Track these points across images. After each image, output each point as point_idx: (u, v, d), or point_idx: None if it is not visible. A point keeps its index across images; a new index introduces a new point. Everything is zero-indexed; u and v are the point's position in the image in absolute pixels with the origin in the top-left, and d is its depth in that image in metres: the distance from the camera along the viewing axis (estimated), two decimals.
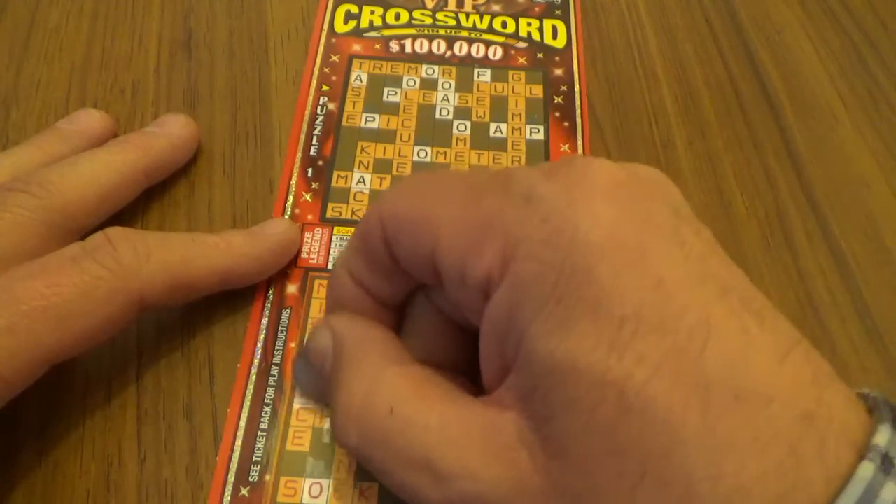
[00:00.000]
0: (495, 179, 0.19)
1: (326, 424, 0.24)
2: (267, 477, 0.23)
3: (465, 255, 0.18)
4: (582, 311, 0.16)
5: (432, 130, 0.31)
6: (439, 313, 0.21)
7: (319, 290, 0.27)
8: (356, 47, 0.34)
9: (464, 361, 0.21)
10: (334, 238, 0.28)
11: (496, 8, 0.36)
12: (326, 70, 0.33)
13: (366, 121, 0.32)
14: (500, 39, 0.35)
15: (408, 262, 0.20)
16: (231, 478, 0.23)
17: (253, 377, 0.25)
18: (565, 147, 0.31)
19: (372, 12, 0.35)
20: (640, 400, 0.15)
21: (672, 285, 0.16)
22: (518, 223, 0.17)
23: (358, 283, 0.21)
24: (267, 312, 0.26)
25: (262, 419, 0.24)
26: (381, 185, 0.30)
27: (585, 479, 0.16)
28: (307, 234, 0.28)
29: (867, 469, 0.14)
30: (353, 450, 0.19)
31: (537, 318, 0.16)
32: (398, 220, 0.19)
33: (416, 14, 0.36)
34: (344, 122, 0.32)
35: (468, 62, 0.34)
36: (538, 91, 0.33)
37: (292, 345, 0.26)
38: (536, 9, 0.36)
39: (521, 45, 0.35)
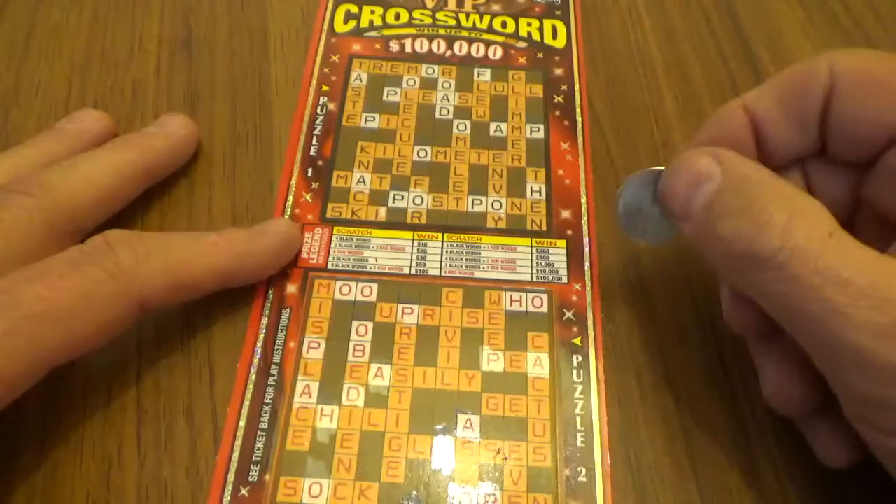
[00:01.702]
0: None
1: (325, 423, 0.24)
2: (267, 477, 0.23)
3: None
4: None
5: (432, 130, 0.31)
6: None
7: (319, 290, 0.27)
8: (356, 47, 0.34)
9: None
10: (334, 238, 0.28)
11: (496, 8, 0.36)
12: (326, 70, 0.33)
13: (366, 120, 0.32)
14: (500, 39, 0.35)
15: (857, 122, 0.19)
16: (231, 478, 0.23)
17: (253, 377, 0.25)
18: (565, 145, 0.31)
19: (372, 12, 0.35)
20: None
21: None
22: None
23: (755, 123, 0.21)
24: (267, 312, 0.26)
25: (261, 419, 0.24)
26: (380, 184, 0.30)
27: None
28: (307, 234, 0.28)
29: None
30: (768, 259, 0.19)
31: None
32: (867, 77, 0.19)
33: (416, 14, 0.36)
34: (344, 122, 0.32)
35: (468, 62, 0.34)
36: (538, 90, 0.33)
37: (292, 344, 0.26)
38: (536, 9, 0.36)
39: (521, 44, 0.35)
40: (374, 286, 0.27)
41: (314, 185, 0.30)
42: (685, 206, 0.21)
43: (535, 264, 0.28)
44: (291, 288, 0.27)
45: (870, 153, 0.20)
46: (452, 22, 0.35)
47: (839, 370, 0.19)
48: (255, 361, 0.25)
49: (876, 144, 0.19)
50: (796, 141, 0.21)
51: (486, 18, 0.36)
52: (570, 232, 0.29)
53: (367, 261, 0.28)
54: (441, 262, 0.28)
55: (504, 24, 0.35)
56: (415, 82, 0.33)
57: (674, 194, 0.22)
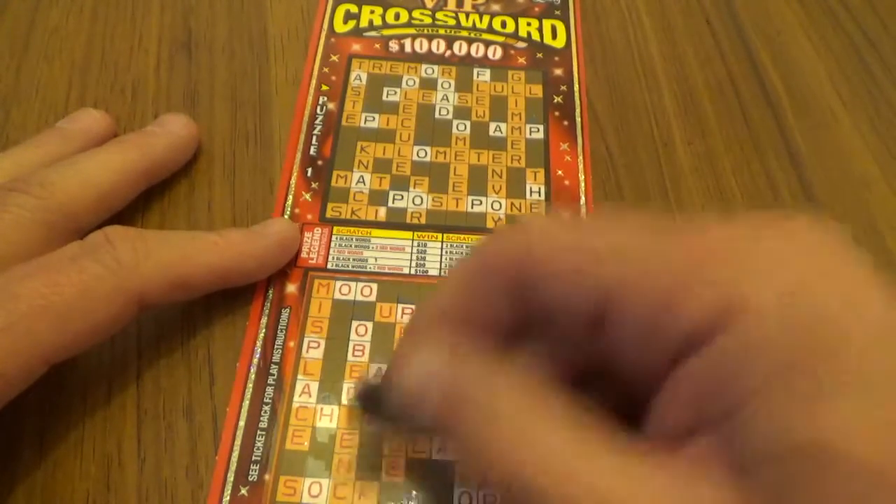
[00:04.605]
0: (691, 225, 0.16)
1: (325, 423, 0.24)
2: (266, 476, 0.23)
3: (668, 300, 0.15)
4: (841, 389, 0.13)
5: (432, 130, 0.31)
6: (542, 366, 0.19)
7: (319, 290, 0.27)
8: (356, 47, 0.34)
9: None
10: (334, 238, 0.28)
11: (496, 8, 0.36)
12: (326, 70, 0.33)
13: (365, 120, 0.32)
14: (500, 39, 0.35)
15: (556, 303, 0.17)
16: (230, 477, 0.23)
17: (252, 376, 0.25)
18: (565, 146, 0.31)
19: (371, 12, 0.35)
20: None
21: None
22: (747, 273, 0.15)
23: (452, 324, 0.18)
24: (266, 312, 0.26)
25: (261, 418, 0.24)
26: (380, 184, 0.30)
27: None
28: (307, 234, 0.28)
29: None
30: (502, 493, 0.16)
31: (772, 387, 0.14)
32: (555, 254, 0.17)
33: (416, 14, 0.36)
34: (343, 122, 0.32)
35: (468, 62, 0.34)
36: (538, 91, 0.33)
37: (291, 344, 0.26)
38: (536, 9, 0.36)
39: (521, 44, 0.35)
40: (374, 286, 0.27)
41: (314, 185, 0.30)
42: (411, 407, 0.18)
43: None
44: (291, 287, 0.27)
45: (584, 328, 0.17)
46: (452, 22, 0.35)
47: None
48: (255, 361, 0.25)
49: (587, 319, 0.17)
50: (497, 333, 0.18)
51: (486, 18, 0.36)
52: None
53: (366, 261, 0.28)
54: (441, 262, 0.28)
55: (504, 24, 0.35)
56: (414, 82, 0.33)
57: (402, 408, 0.19)
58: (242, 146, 0.31)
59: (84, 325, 0.21)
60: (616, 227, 0.17)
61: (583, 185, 0.30)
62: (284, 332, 0.26)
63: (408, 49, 0.34)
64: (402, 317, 0.26)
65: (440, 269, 0.28)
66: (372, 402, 0.21)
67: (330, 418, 0.24)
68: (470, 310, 0.18)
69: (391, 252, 0.28)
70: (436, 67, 0.34)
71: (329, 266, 0.27)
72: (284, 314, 0.26)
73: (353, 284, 0.27)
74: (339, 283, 0.27)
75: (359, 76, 0.33)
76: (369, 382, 0.22)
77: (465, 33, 0.35)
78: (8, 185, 0.24)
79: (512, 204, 0.29)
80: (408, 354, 0.19)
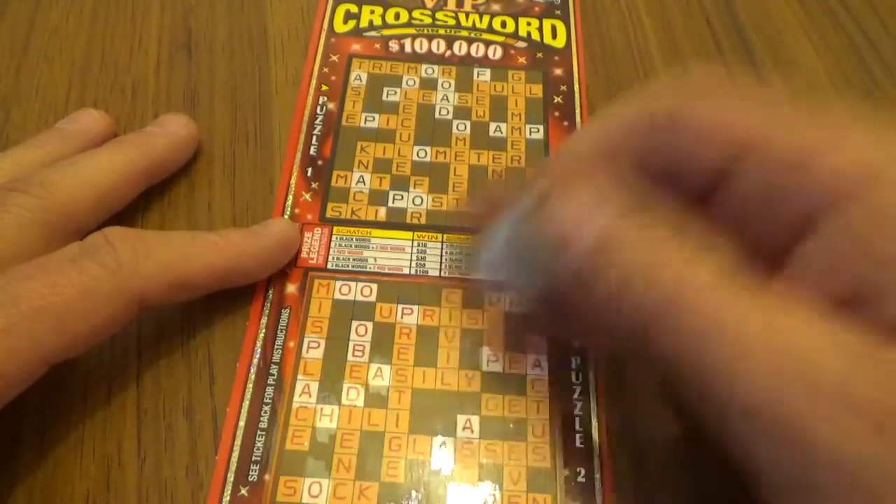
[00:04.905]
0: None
1: (325, 423, 0.24)
2: (266, 476, 0.23)
3: (802, 159, 0.15)
4: None
5: (432, 130, 0.31)
6: None
7: (319, 290, 0.27)
8: (356, 47, 0.34)
9: None
10: (334, 238, 0.28)
11: (496, 7, 0.36)
12: (326, 70, 0.33)
13: (365, 120, 0.32)
14: (500, 39, 0.35)
15: (687, 159, 0.17)
16: (230, 477, 0.23)
17: (252, 376, 0.25)
18: None
19: (371, 12, 0.35)
20: None
21: None
22: (881, 151, 0.15)
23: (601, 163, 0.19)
24: (266, 312, 0.26)
25: (261, 418, 0.24)
26: (380, 184, 0.30)
27: None
28: (307, 234, 0.28)
29: None
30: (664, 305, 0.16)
31: None
32: (698, 109, 0.17)
33: (416, 13, 0.36)
34: (343, 122, 0.32)
35: (468, 62, 0.34)
36: (538, 91, 0.33)
37: (291, 344, 0.26)
38: (536, 8, 0.36)
39: (521, 44, 0.35)
40: (374, 286, 0.27)
41: (314, 185, 0.30)
42: (570, 238, 0.17)
43: None
44: (291, 288, 0.27)
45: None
46: (452, 22, 0.35)
47: (758, 449, 0.15)
48: (255, 361, 0.25)
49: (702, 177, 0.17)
50: None
51: (486, 18, 0.36)
52: None
53: (366, 261, 0.28)
54: (441, 262, 0.28)
55: (504, 24, 0.35)
56: (414, 82, 0.33)
57: (560, 225, 0.18)
58: (242, 146, 0.31)
59: (84, 325, 0.21)
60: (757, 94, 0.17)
61: None
62: (284, 332, 0.26)
63: (408, 49, 0.34)
64: (401, 317, 0.26)
65: (440, 269, 0.28)
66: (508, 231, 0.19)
67: (330, 418, 0.24)
68: (612, 160, 0.19)
69: (391, 252, 0.28)
70: (436, 67, 0.34)
71: (329, 266, 0.28)
72: (284, 314, 0.26)
73: (353, 284, 0.27)
74: (339, 283, 0.27)
75: (359, 76, 0.33)
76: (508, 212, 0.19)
77: (465, 33, 0.35)
78: (8, 185, 0.24)
79: None
80: (568, 186, 0.18)
